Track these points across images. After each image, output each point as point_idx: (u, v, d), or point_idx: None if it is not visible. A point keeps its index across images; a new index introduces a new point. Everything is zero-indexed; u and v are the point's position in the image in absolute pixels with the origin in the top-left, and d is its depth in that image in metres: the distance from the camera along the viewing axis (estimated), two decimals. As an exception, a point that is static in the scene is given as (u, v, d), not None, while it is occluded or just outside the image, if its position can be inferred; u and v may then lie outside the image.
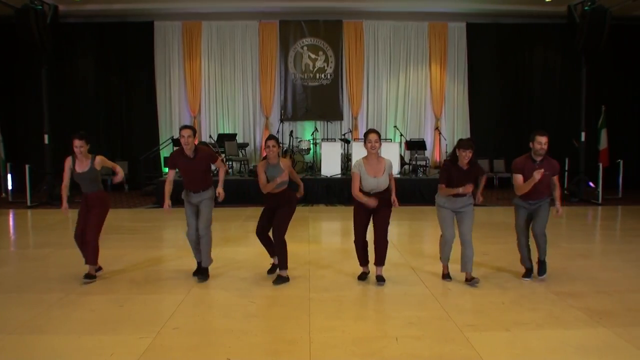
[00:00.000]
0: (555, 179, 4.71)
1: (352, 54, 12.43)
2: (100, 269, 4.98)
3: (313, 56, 12.52)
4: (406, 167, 11.44)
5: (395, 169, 10.42)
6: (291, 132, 12.02)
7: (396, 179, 9.31)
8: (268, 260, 5.08)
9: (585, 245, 6.46)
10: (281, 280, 4.72)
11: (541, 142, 4.52)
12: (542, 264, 4.82)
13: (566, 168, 11.33)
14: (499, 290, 4.51)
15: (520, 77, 12.80)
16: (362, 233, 4.66)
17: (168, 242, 6.78)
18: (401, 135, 12.04)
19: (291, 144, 11.67)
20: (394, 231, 6.27)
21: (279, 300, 4.31)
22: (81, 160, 4.73)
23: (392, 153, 10.29)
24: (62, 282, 4.71)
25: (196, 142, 4.81)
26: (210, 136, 11.83)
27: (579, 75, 10.77)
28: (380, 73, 12.62)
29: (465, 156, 4.44)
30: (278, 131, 11.97)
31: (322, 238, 7.12)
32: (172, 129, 12.45)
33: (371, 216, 4.62)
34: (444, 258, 4.80)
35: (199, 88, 12.45)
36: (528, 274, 4.87)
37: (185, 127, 4.66)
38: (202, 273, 4.86)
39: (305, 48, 12.52)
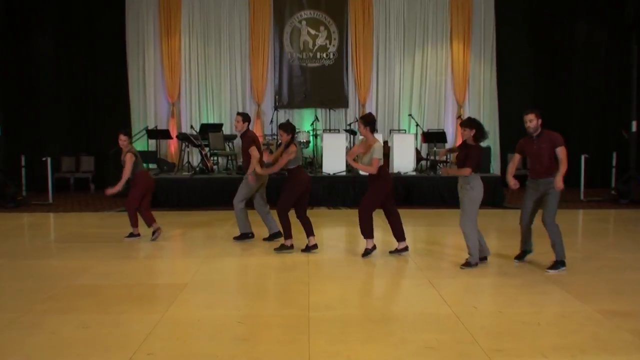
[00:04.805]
0: (561, 152, 5.18)
1: (359, 30, 12.43)
2: (138, 234, 7.09)
3: (313, 32, 12.52)
4: (423, 162, 11.43)
5: (411, 165, 10.42)
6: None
7: (410, 177, 9.41)
8: (259, 268, 5.05)
9: (636, 256, 6.43)
10: (283, 248, 6.21)
11: (526, 120, 5.23)
12: (556, 264, 5.37)
13: (614, 164, 11.29)
14: (534, 308, 4.49)
15: (559, 56, 12.80)
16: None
17: (141, 252, 6.76)
18: (417, 125, 12.04)
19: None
20: (408, 239, 6.27)
21: (272, 320, 4.30)
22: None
23: (406, 146, 10.29)
24: (16, 300, 4.69)
25: (244, 127, 6.59)
26: (191, 126, 11.82)
27: (630, 54, 10.74)
28: (393, 52, 12.63)
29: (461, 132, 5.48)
30: (272, 121, 11.99)
31: (324, 247, 7.09)
32: (147, 118, 12.49)
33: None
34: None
35: (179, 70, 12.48)
36: (520, 256, 5.66)
37: (238, 113, 6.83)
38: (270, 236, 6.79)
39: (303, 22, 12.52)
